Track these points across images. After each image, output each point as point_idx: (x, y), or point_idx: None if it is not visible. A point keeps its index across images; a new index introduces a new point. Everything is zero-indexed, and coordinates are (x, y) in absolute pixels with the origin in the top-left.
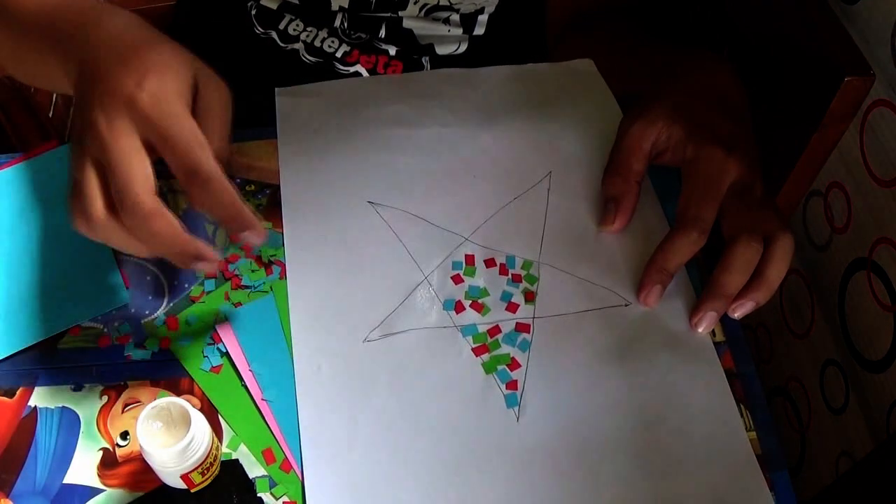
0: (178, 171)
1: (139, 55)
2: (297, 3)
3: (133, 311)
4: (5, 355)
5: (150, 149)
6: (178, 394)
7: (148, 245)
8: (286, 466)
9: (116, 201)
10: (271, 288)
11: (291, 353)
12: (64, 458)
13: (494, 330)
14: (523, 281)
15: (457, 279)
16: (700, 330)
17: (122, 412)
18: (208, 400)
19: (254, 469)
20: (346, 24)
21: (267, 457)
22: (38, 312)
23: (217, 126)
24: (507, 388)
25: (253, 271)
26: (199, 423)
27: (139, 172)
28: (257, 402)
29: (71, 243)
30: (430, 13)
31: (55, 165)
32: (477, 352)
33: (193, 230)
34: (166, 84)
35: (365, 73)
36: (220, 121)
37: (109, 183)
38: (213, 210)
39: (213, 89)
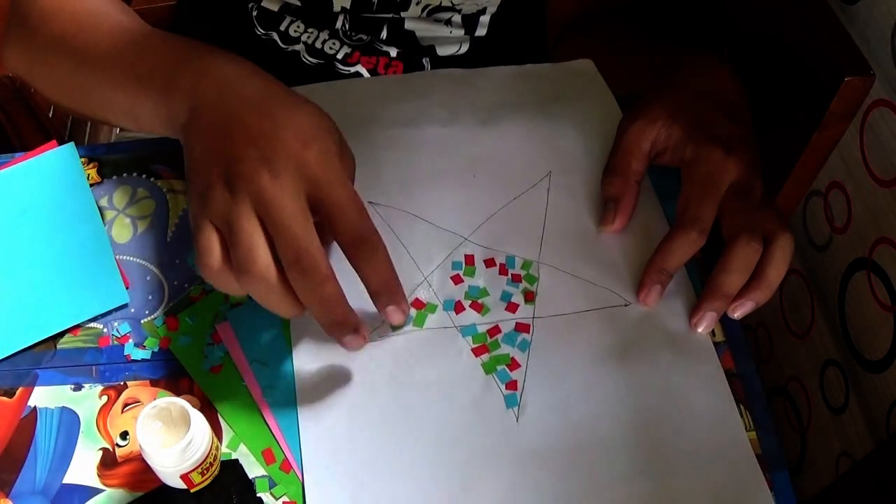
0: (346, 236)
1: (288, 107)
2: (299, 4)
3: (133, 311)
4: (5, 355)
5: (312, 210)
6: (178, 394)
7: (312, 308)
8: (286, 466)
9: (288, 260)
10: None
11: (291, 353)
12: (64, 458)
13: (494, 330)
14: (523, 281)
15: (456, 279)
16: (700, 330)
17: (122, 412)
18: (208, 400)
19: (254, 469)
20: (347, 26)
21: (267, 457)
22: (38, 312)
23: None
24: (506, 389)
25: None
26: (199, 423)
27: (314, 234)
28: (257, 402)
29: (71, 243)
30: (432, 14)
31: (55, 165)
32: (477, 352)
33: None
34: (330, 147)
35: (366, 74)
36: (353, 178)
37: (276, 240)
38: (372, 278)
39: (349, 154)
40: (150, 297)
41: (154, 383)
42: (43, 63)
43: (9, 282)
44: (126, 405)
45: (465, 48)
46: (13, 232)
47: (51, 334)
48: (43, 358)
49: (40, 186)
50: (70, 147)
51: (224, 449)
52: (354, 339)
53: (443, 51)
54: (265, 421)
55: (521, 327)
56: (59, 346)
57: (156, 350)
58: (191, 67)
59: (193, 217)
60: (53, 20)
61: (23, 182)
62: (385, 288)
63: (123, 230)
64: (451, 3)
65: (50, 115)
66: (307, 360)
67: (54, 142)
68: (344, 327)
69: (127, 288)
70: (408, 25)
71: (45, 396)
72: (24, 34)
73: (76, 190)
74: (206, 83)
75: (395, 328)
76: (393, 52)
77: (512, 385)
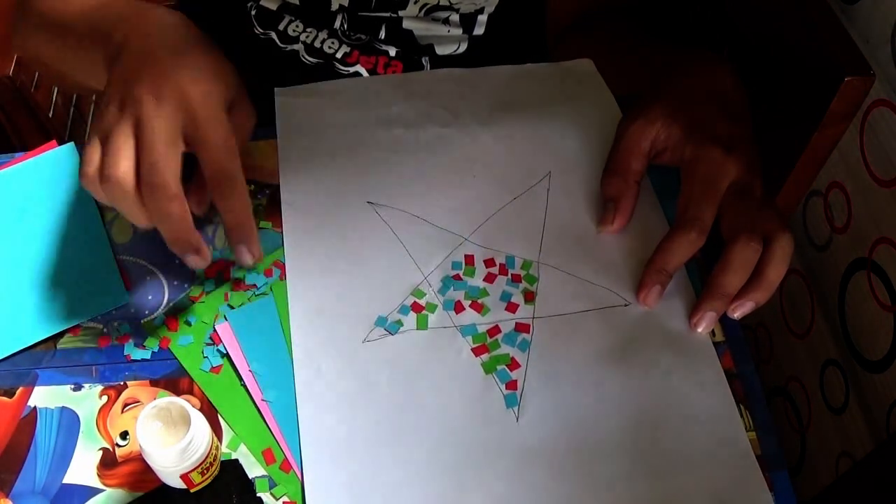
0: (210, 171)
1: (195, 54)
2: (297, 3)
3: (133, 311)
4: (5, 355)
5: (184, 142)
6: (178, 394)
7: (157, 223)
8: (286, 466)
9: (142, 174)
10: (271, 289)
11: (291, 354)
12: (63, 457)
13: (494, 330)
14: (523, 281)
15: (456, 279)
16: (699, 330)
17: (122, 412)
18: (208, 400)
19: (254, 469)
20: (345, 25)
21: (267, 457)
22: (38, 312)
23: (240, 144)
24: (506, 389)
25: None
26: (199, 423)
27: (174, 158)
28: (257, 402)
29: (71, 243)
30: (430, 13)
31: (55, 165)
32: (477, 352)
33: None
34: (217, 89)
35: (365, 74)
36: (242, 141)
37: (140, 156)
38: (228, 214)
39: (245, 111)
40: (150, 297)
41: (154, 383)
42: (34, 40)
43: (9, 282)
44: (126, 405)
45: (463, 47)
46: (13, 232)
47: (51, 334)
48: (43, 358)
49: (40, 186)
50: (70, 147)
51: (224, 449)
52: (195, 259)
53: (441, 50)
54: (265, 421)
55: (521, 327)
56: (59, 346)
57: (156, 350)
58: (129, 21)
59: (88, 132)
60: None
61: (23, 182)
62: (238, 225)
63: (123, 230)
64: (449, 2)
65: (50, 114)
66: (307, 360)
67: (54, 142)
68: (185, 245)
69: (127, 288)
70: (406, 24)
71: (45, 396)
72: (22, 17)
73: (76, 190)
74: (136, 32)
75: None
76: (392, 52)
77: (512, 385)
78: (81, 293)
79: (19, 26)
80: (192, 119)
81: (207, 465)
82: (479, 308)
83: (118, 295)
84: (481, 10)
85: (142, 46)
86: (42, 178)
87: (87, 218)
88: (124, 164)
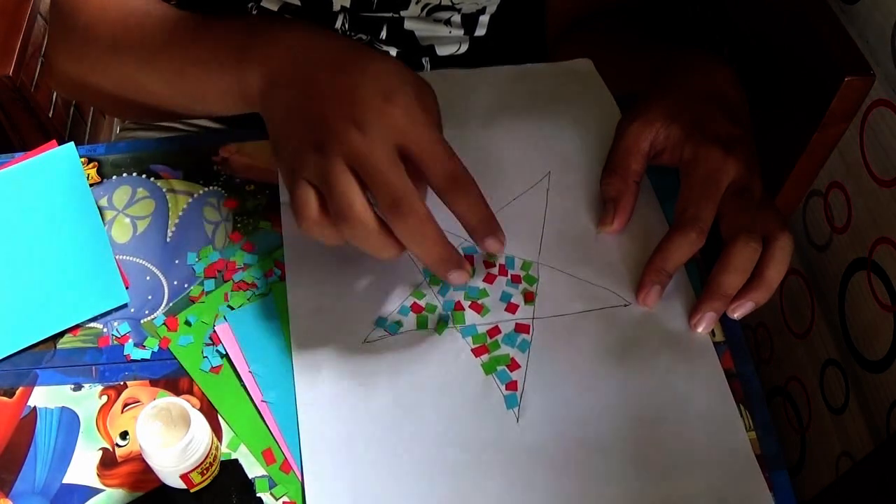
0: (438, 178)
1: (369, 67)
2: (298, 4)
3: (133, 311)
4: (5, 355)
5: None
6: (178, 394)
7: (414, 249)
8: (286, 467)
9: (387, 207)
10: (271, 289)
11: (291, 354)
12: (63, 457)
13: (494, 331)
14: (523, 281)
15: None
16: (699, 330)
17: (122, 412)
18: (208, 400)
19: (254, 469)
20: (346, 26)
21: (267, 457)
22: (38, 312)
23: (440, 129)
24: (506, 389)
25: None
26: (199, 423)
27: (407, 180)
28: (257, 402)
29: (71, 243)
30: (431, 13)
31: (55, 165)
32: (477, 352)
33: (195, 228)
34: (410, 95)
35: None
36: (440, 123)
37: (373, 190)
38: (469, 212)
39: (429, 93)
40: (150, 297)
41: (154, 383)
42: (98, 71)
43: (9, 282)
44: (126, 405)
45: (464, 48)
46: (13, 232)
47: (51, 334)
48: (43, 358)
49: (40, 186)
50: (70, 147)
51: (224, 449)
52: (460, 274)
53: (442, 50)
54: (265, 421)
55: (521, 328)
56: (59, 346)
57: (156, 350)
58: (259, 38)
59: (287, 177)
60: (101, 27)
61: (23, 182)
62: (482, 221)
63: (123, 230)
64: (451, 2)
65: (50, 115)
66: (307, 360)
67: (54, 142)
68: (449, 263)
69: (127, 288)
70: (407, 25)
71: (44, 396)
72: (75, 47)
73: (76, 190)
74: (277, 50)
75: (490, 257)
76: (392, 52)
77: (512, 385)
78: (81, 293)
79: (68, 58)
80: (402, 136)
81: (207, 465)
82: (478, 309)
83: (118, 295)
84: (483, 11)
85: (296, 67)
86: (42, 178)
87: (86, 218)
88: (359, 201)
